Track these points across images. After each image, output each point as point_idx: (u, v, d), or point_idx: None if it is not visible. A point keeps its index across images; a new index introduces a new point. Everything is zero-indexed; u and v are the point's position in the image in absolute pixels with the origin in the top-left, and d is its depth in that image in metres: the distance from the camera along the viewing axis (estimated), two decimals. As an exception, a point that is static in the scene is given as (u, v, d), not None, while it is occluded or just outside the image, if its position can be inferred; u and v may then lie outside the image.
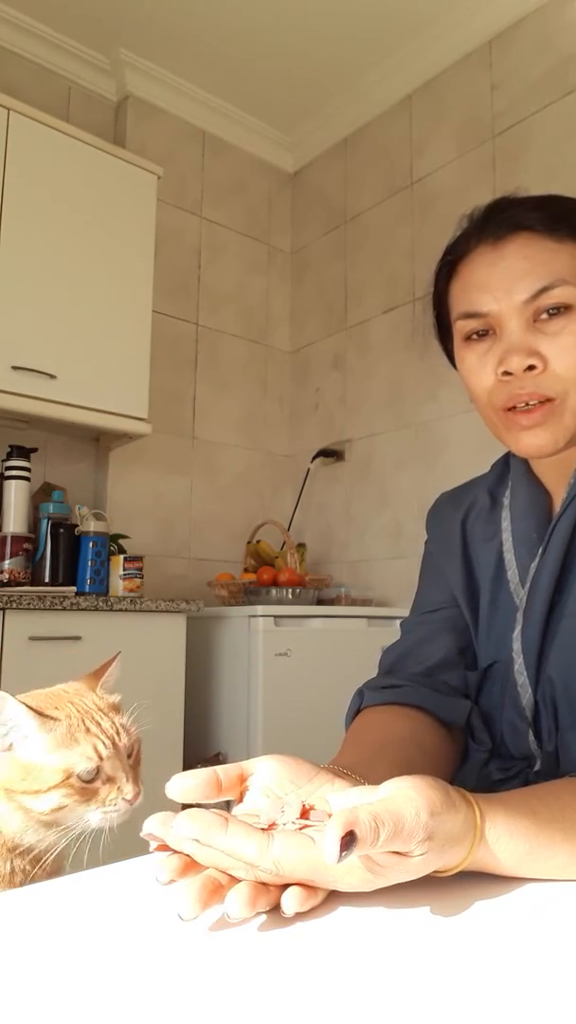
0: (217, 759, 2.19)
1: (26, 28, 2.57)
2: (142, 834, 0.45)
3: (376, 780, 0.46)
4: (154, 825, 0.42)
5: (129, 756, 0.58)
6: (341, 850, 0.36)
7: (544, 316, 0.66)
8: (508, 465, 0.82)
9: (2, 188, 2.13)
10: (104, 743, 0.56)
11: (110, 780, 0.55)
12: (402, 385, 2.69)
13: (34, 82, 2.62)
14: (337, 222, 3.05)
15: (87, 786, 0.54)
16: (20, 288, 2.15)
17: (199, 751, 2.26)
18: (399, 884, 0.42)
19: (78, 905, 0.43)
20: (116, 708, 0.61)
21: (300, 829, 0.42)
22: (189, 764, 2.15)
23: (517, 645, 0.71)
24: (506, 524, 0.77)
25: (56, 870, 0.56)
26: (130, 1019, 0.30)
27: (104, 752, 0.55)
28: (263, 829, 0.42)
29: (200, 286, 2.92)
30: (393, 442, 2.69)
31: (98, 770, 0.55)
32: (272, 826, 0.43)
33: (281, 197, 3.25)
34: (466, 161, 2.53)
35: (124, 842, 0.54)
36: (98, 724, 0.57)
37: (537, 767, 0.69)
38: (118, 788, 0.55)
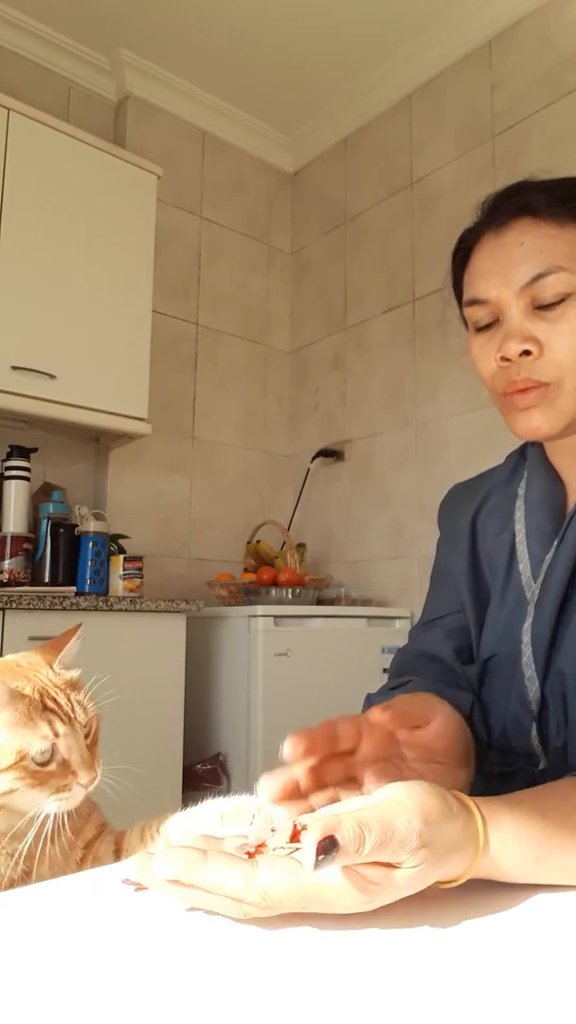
0: (217, 759, 2.19)
1: (26, 28, 2.57)
2: (121, 880, 0.43)
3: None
4: (131, 871, 0.40)
5: (86, 736, 0.54)
6: (318, 854, 0.33)
7: (542, 303, 0.67)
8: (524, 456, 0.82)
9: (2, 188, 2.13)
10: (61, 720, 0.52)
11: (64, 764, 0.52)
12: (402, 385, 2.69)
13: (34, 82, 2.62)
14: (337, 222, 3.05)
15: (40, 769, 0.50)
16: (20, 288, 2.15)
17: (199, 751, 2.26)
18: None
19: (77, 906, 0.43)
20: (73, 685, 0.57)
21: (291, 853, 0.39)
22: (189, 764, 2.15)
23: (526, 638, 0.70)
24: (519, 515, 0.77)
25: (27, 871, 0.53)
26: (129, 1020, 0.30)
27: (60, 730, 0.52)
28: (252, 852, 0.39)
29: (200, 286, 2.92)
30: (393, 442, 2.69)
31: (53, 751, 0.51)
32: (261, 847, 0.40)
33: (281, 197, 3.25)
34: (466, 161, 2.53)
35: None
36: (55, 701, 0.53)
37: (542, 765, 0.69)
38: (72, 772, 0.52)
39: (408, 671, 0.80)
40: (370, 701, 0.76)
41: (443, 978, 0.33)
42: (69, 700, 0.54)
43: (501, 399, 0.71)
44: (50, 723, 0.51)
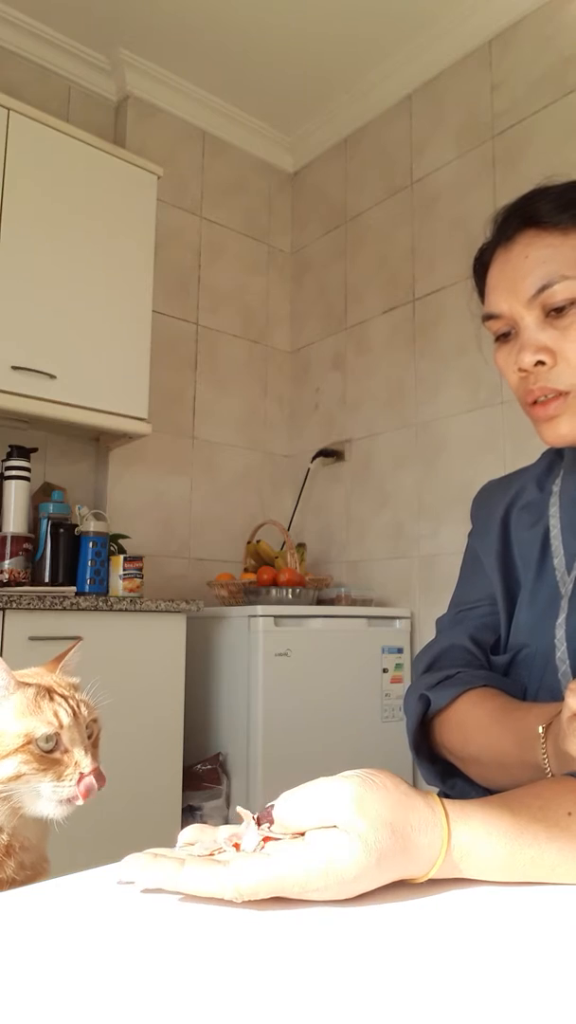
0: (217, 759, 2.19)
1: (26, 28, 2.57)
2: (117, 882, 0.45)
3: None
4: (124, 872, 0.43)
5: (89, 737, 0.58)
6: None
7: (553, 312, 0.68)
8: (560, 455, 0.83)
9: (2, 188, 2.13)
10: (65, 711, 0.56)
11: (67, 753, 0.55)
12: (402, 385, 2.69)
13: (34, 82, 2.62)
14: (337, 222, 3.05)
15: (46, 755, 0.53)
16: (20, 288, 2.15)
17: (199, 751, 2.26)
18: (380, 894, 0.41)
19: (76, 906, 0.43)
20: (75, 687, 0.62)
21: (265, 840, 0.43)
22: (189, 764, 2.14)
23: (561, 632, 0.71)
24: (554, 511, 0.78)
25: (35, 873, 0.55)
26: (124, 1020, 0.30)
27: (65, 720, 0.55)
28: (238, 843, 0.43)
29: (200, 286, 2.92)
30: (393, 442, 2.69)
31: (57, 739, 0.54)
32: (236, 847, 0.44)
33: (281, 197, 3.25)
34: (466, 161, 2.53)
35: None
36: (61, 695, 0.58)
37: None
38: (76, 763, 0.54)
39: (448, 663, 0.79)
40: (426, 702, 0.74)
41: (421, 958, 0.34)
42: (74, 697, 0.59)
43: (527, 409, 0.72)
44: (55, 712, 0.55)
